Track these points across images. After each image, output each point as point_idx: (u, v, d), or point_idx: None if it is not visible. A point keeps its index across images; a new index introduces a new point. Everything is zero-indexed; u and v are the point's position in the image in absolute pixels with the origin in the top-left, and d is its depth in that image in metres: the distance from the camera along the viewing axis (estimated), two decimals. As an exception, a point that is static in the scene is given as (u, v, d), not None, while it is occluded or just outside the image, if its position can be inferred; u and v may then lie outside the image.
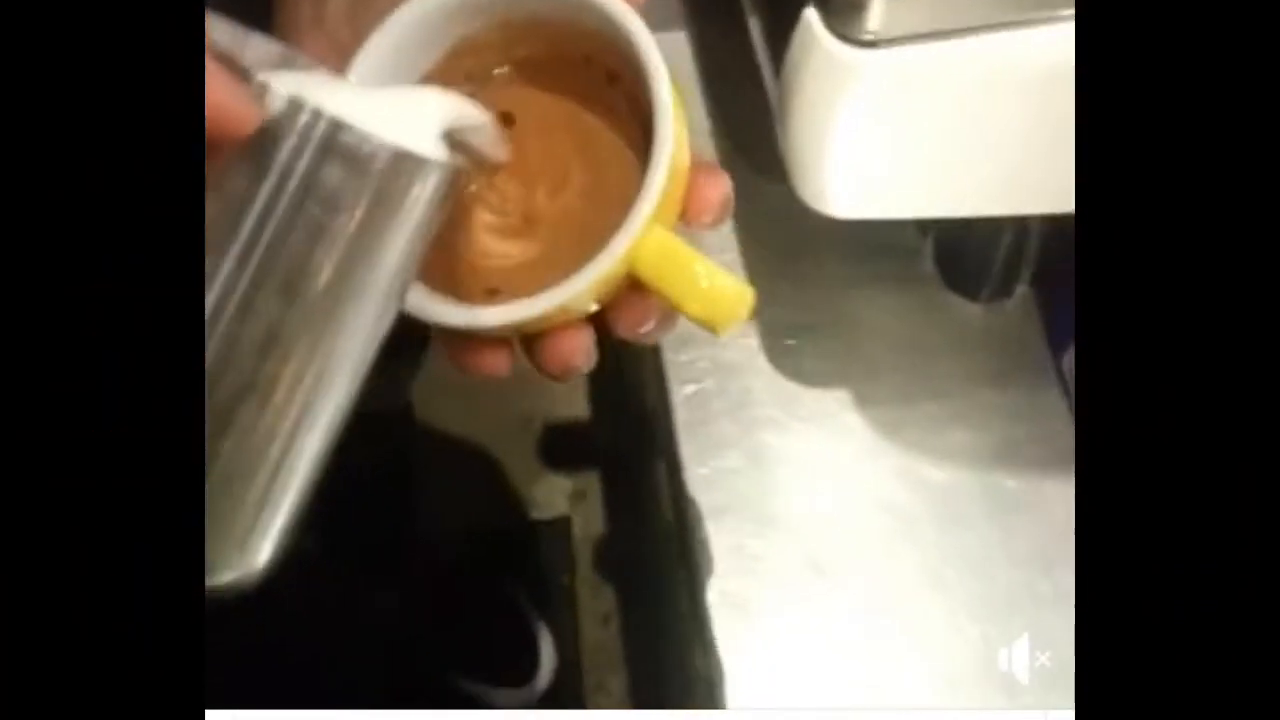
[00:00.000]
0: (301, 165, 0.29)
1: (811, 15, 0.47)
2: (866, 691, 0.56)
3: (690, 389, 0.64)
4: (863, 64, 0.46)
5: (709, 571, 0.58)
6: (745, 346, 0.65)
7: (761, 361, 0.65)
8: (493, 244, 0.39)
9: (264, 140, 0.28)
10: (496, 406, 1.70)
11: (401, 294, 0.32)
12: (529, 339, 0.38)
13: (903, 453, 0.62)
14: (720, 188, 0.38)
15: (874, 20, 0.45)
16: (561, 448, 1.69)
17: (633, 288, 0.37)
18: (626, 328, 0.38)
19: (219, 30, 0.31)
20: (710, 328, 0.37)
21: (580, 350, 0.37)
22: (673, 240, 0.36)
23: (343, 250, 0.29)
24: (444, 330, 0.38)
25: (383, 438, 1.29)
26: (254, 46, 0.32)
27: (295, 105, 0.29)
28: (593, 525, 1.62)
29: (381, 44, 0.38)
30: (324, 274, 0.29)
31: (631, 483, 1.60)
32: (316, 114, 0.29)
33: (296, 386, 0.29)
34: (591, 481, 1.65)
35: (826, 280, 0.68)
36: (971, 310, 0.67)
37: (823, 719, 0.55)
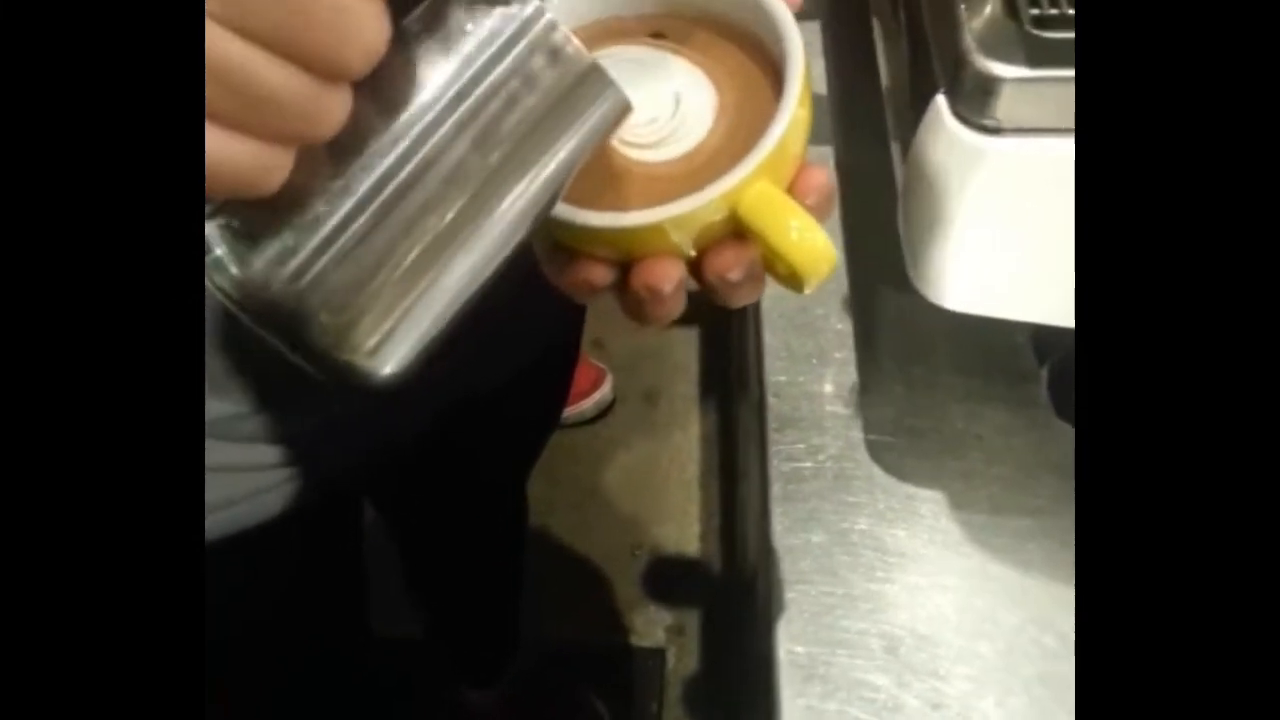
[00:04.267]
0: (518, 47, 0.34)
1: (941, 101, 0.50)
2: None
3: (789, 466, 0.66)
4: (986, 150, 0.49)
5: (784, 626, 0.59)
6: (849, 438, 0.67)
7: (862, 453, 0.67)
8: (622, 158, 0.43)
9: (494, 15, 0.33)
10: (609, 530, 1.73)
11: (556, 188, 0.36)
12: (626, 269, 0.41)
13: (988, 558, 0.62)
14: (825, 176, 0.41)
15: (1000, 108, 0.49)
16: (666, 580, 1.71)
17: (731, 237, 0.40)
18: (715, 269, 0.40)
19: None
20: (795, 278, 0.40)
21: (668, 277, 0.40)
22: (776, 191, 0.39)
23: (528, 124, 0.34)
24: (551, 242, 0.42)
25: (501, 538, 1.32)
26: None
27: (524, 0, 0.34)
28: (686, 661, 1.62)
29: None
30: (508, 140, 0.34)
31: (731, 624, 1.60)
32: (540, 10, 0.34)
33: (462, 225, 0.34)
34: (691, 618, 1.65)
35: (939, 390, 0.70)
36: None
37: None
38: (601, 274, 0.41)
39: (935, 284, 0.56)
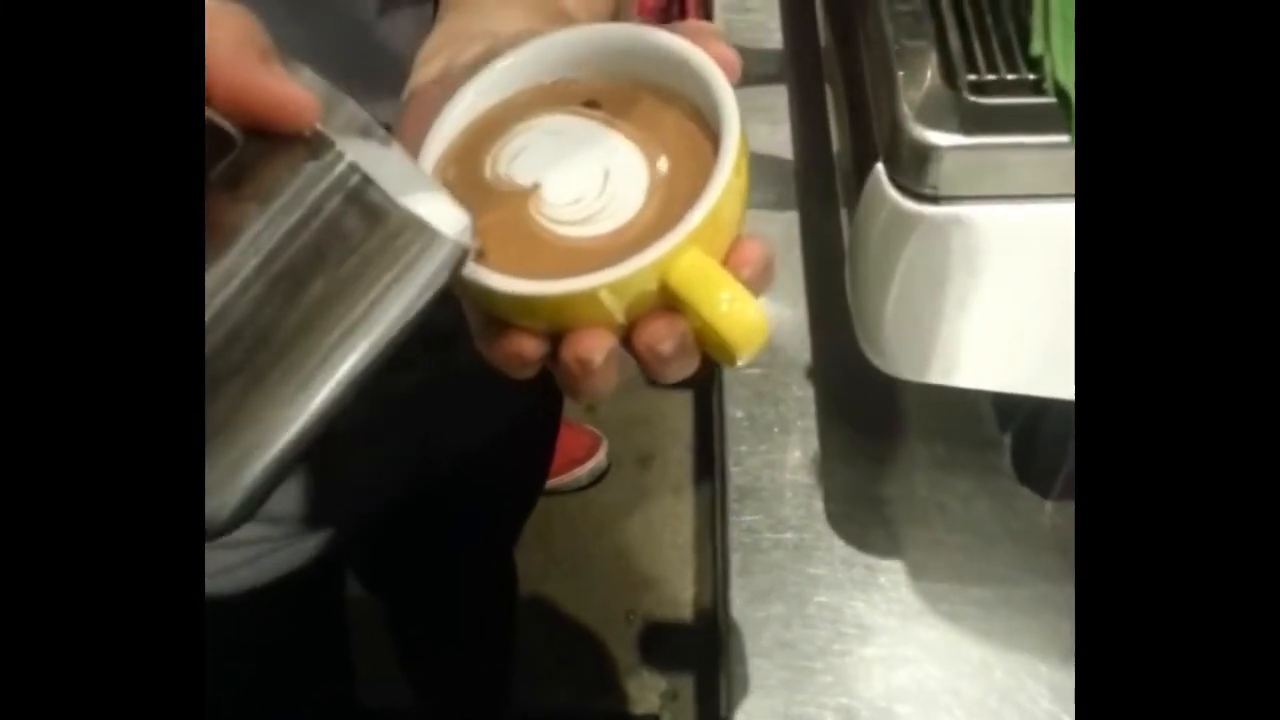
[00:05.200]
0: (331, 203, 0.33)
1: (880, 169, 0.50)
2: None
3: (749, 538, 0.65)
4: (925, 217, 0.49)
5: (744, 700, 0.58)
6: (810, 508, 0.67)
7: (823, 524, 0.66)
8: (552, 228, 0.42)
9: (303, 175, 0.33)
10: (603, 595, 1.72)
11: (385, 345, 0.35)
12: (557, 339, 0.40)
13: (948, 627, 0.61)
14: (761, 249, 0.41)
15: (938, 176, 0.48)
16: (660, 645, 1.69)
17: (662, 308, 0.39)
18: (645, 341, 0.40)
19: (316, 87, 0.35)
20: (726, 351, 0.39)
21: (599, 348, 0.39)
22: (708, 261, 0.39)
23: (344, 281, 0.33)
24: (480, 312, 0.41)
25: (489, 605, 1.31)
26: (344, 110, 0.37)
27: (338, 156, 0.33)
28: (681, 728, 1.60)
29: (480, 83, 0.43)
30: (324, 298, 0.33)
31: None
32: (353, 167, 0.33)
33: (278, 386, 0.33)
34: (685, 684, 1.63)
35: (902, 458, 0.69)
36: (1041, 507, 0.67)
37: None
38: (532, 346, 0.41)
39: (882, 351, 0.55)
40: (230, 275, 0.32)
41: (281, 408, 0.33)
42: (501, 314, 0.41)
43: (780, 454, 0.69)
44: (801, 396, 0.71)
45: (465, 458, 0.87)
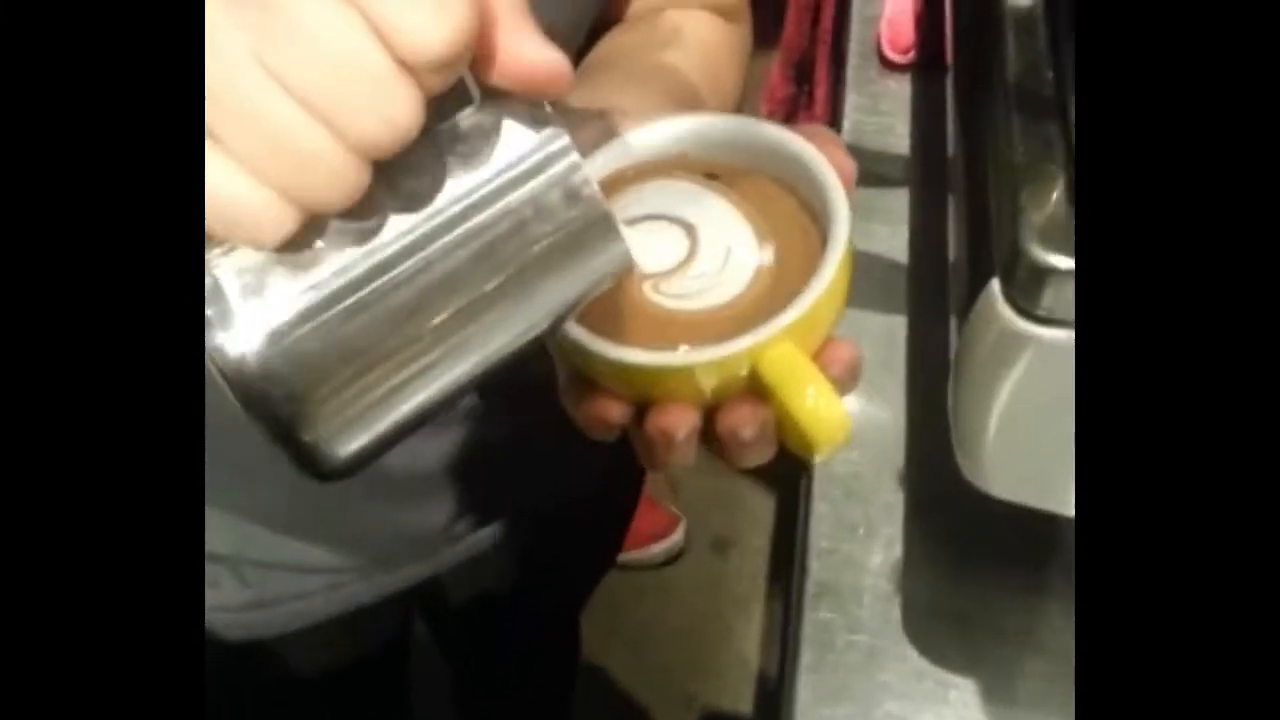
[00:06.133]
0: (539, 178, 0.34)
1: (995, 286, 0.50)
2: None
3: (823, 636, 0.65)
4: (1035, 338, 0.49)
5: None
6: (888, 614, 0.66)
7: (898, 630, 0.65)
8: (653, 295, 0.43)
9: (522, 139, 0.34)
10: (665, 676, 1.70)
11: (544, 324, 0.36)
12: (642, 410, 0.41)
13: (1016, 754, 0.60)
14: (852, 350, 0.42)
15: (1053, 299, 0.48)
16: (719, 735, 1.67)
17: (748, 394, 0.40)
18: (728, 424, 0.40)
19: None
20: (807, 445, 0.39)
21: (683, 424, 0.40)
22: (798, 354, 0.39)
23: (531, 255, 0.34)
24: (569, 369, 0.42)
25: (550, 667, 1.31)
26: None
27: (558, 132, 0.34)
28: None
29: (610, 150, 0.45)
30: (509, 265, 0.34)
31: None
32: (567, 147, 0.34)
33: (446, 336, 0.34)
34: (745, 774, 1.61)
35: (987, 578, 0.68)
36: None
37: None
38: (618, 411, 0.41)
39: (978, 468, 0.55)
40: (442, 230, 0.33)
41: (433, 365, 0.34)
42: (592, 375, 0.42)
43: (863, 555, 0.68)
44: (891, 501, 0.71)
45: (547, 513, 0.87)
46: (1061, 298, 0.48)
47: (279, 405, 0.32)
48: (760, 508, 1.89)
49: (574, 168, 0.34)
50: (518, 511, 0.85)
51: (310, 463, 0.34)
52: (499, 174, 0.34)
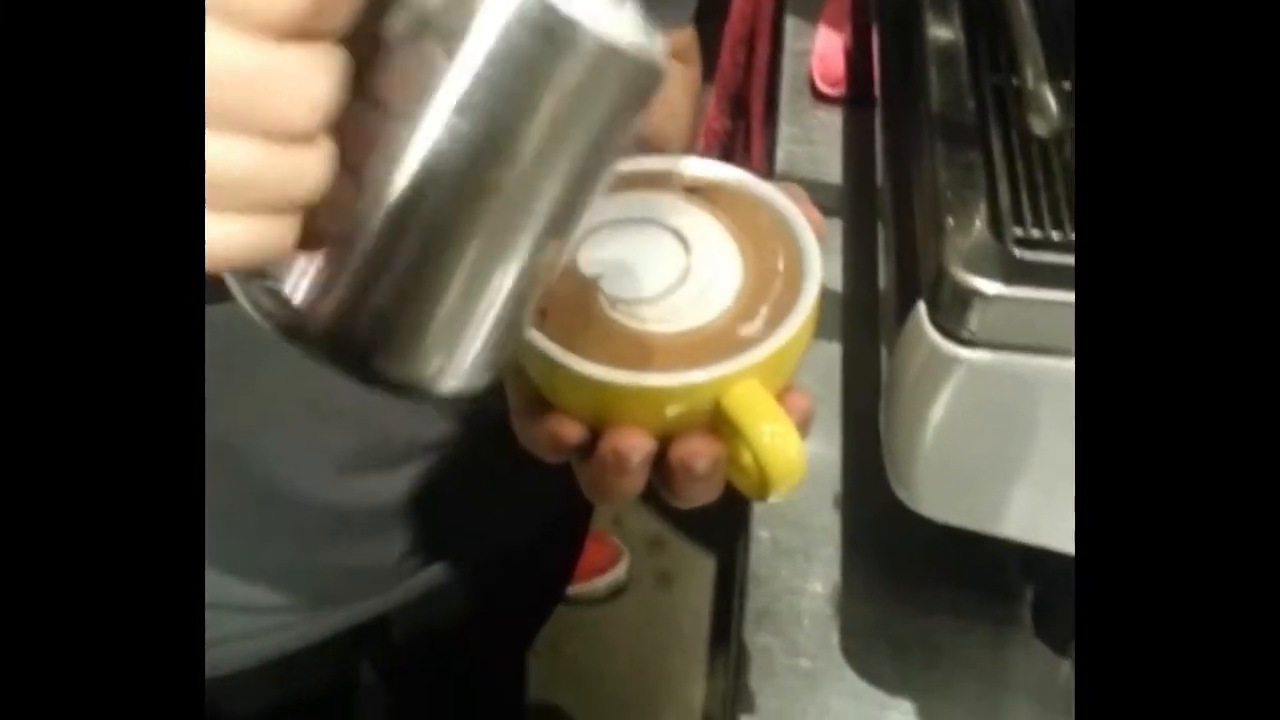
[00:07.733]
0: (517, 37, 0.31)
1: (921, 309, 0.51)
2: None
3: (763, 660, 0.65)
4: (961, 360, 0.50)
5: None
6: (826, 638, 0.67)
7: (837, 654, 0.66)
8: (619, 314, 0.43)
9: (486, 9, 0.31)
10: (610, 713, 1.70)
11: (592, 179, 0.34)
12: (596, 432, 0.41)
13: (955, 775, 0.61)
14: (808, 401, 0.42)
15: (977, 321, 0.49)
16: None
17: (704, 429, 0.40)
18: (681, 454, 0.40)
19: None
20: (762, 481, 0.40)
21: (639, 448, 0.39)
22: (763, 392, 0.40)
23: (545, 120, 0.32)
24: (525, 390, 0.42)
25: (497, 704, 1.29)
26: None
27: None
28: None
29: None
30: (529, 140, 0.32)
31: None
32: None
33: (500, 229, 0.33)
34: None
35: (922, 600, 0.69)
36: (1058, 665, 0.66)
37: None
38: (572, 431, 0.41)
39: (910, 489, 0.56)
40: (431, 133, 0.31)
41: (499, 261, 0.33)
42: (551, 392, 0.42)
43: (802, 580, 0.69)
44: (828, 526, 0.71)
45: (500, 549, 0.87)
46: (986, 320, 0.49)
47: (378, 364, 0.33)
48: (702, 546, 1.89)
49: (547, 9, 0.31)
50: (470, 548, 0.85)
51: (427, 394, 0.34)
52: (470, 52, 0.31)
